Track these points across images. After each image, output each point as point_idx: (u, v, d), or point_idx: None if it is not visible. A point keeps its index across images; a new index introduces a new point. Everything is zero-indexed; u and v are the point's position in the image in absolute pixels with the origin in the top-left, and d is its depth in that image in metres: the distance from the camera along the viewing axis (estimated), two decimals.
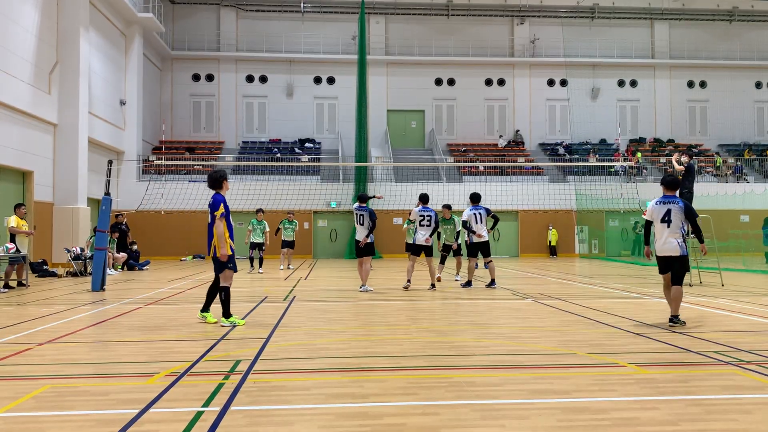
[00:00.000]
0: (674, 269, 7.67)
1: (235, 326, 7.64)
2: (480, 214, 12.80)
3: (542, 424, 3.81)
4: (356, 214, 12.41)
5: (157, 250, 27.06)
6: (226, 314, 7.76)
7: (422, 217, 12.53)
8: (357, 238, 12.46)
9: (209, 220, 7.83)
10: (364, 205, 12.41)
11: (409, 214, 13.14)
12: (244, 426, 3.79)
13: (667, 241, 7.66)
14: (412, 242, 13.13)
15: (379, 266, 21.14)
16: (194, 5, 34.52)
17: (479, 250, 12.96)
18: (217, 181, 7.94)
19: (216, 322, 7.90)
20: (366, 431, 3.70)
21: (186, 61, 33.96)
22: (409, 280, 12.60)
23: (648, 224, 8.12)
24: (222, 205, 7.69)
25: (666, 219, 7.69)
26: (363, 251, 12.35)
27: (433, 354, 5.99)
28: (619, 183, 29.15)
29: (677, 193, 8.01)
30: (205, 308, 8.10)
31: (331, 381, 4.94)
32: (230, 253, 7.74)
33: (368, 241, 12.29)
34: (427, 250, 12.65)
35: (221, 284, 7.78)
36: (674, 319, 7.57)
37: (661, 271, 7.88)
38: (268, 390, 4.63)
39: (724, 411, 4.06)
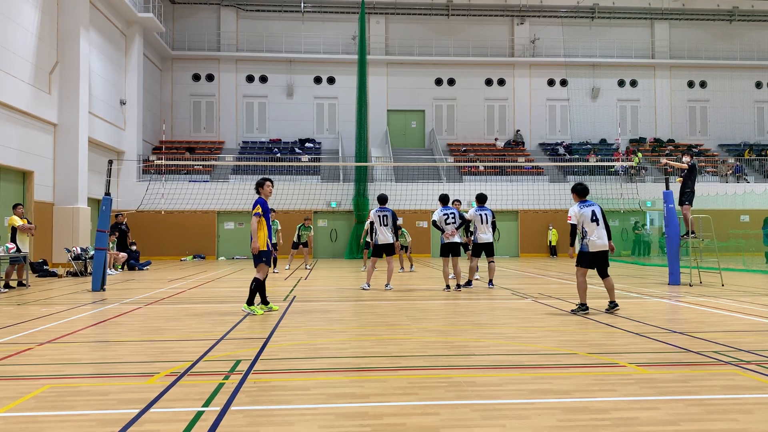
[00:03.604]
0: (606, 262, 8.84)
1: (253, 314, 8.59)
2: (486, 215, 12.83)
3: (542, 424, 3.81)
4: (378, 215, 12.60)
5: (157, 250, 27.09)
6: (250, 302, 8.72)
7: (446, 216, 12.35)
8: (380, 241, 12.59)
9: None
10: (385, 206, 12.84)
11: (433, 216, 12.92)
12: (244, 426, 3.79)
13: (600, 236, 8.69)
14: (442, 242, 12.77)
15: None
16: (194, 5, 34.53)
17: (483, 250, 13.01)
18: (257, 185, 9.00)
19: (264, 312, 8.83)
20: (366, 431, 3.70)
21: (186, 61, 33.97)
22: (461, 283, 12.55)
23: (573, 228, 8.80)
24: (258, 205, 8.72)
25: (595, 218, 8.69)
26: (389, 251, 12.67)
27: (433, 354, 6.00)
28: (619, 183, 29.17)
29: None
30: (258, 301, 8.97)
31: (331, 381, 4.95)
32: (264, 248, 8.72)
33: (391, 241, 12.64)
34: (456, 250, 12.42)
35: (255, 276, 8.77)
36: (615, 305, 8.81)
37: (591, 266, 8.82)
38: (269, 390, 4.63)
39: (724, 411, 4.06)
